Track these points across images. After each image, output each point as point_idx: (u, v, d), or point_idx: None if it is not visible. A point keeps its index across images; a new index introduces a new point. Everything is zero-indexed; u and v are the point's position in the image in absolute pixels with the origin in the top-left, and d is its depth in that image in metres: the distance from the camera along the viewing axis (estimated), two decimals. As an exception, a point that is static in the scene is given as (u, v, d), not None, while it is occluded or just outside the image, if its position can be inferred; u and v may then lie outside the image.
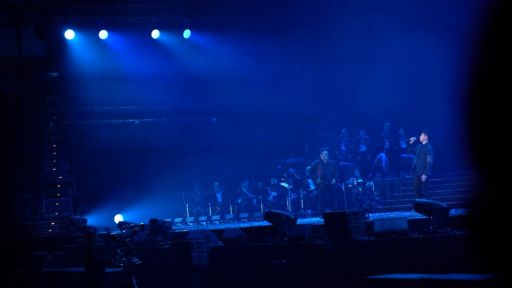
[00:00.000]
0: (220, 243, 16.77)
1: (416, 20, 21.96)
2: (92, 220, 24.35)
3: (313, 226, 15.04)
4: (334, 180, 19.62)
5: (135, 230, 14.40)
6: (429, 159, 17.26)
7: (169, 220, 20.63)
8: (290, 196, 22.54)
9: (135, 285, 13.86)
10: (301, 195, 22.19)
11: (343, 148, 23.81)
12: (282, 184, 23.23)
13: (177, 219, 24.62)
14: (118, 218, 25.30)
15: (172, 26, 27.70)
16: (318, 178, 19.68)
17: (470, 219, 2.62)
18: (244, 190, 24.49)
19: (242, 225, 19.73)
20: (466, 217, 2.65)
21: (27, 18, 27.07)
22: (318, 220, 17.71)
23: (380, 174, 21.92)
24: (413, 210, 14.68)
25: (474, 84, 2.58)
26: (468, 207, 2.59)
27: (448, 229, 12.76)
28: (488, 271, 2.53)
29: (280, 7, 26.02)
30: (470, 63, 2.58)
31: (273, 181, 23.79)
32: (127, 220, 22.13)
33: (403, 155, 21.63)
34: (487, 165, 2.51)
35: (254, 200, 23.96)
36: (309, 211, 21.71)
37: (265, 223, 16.79)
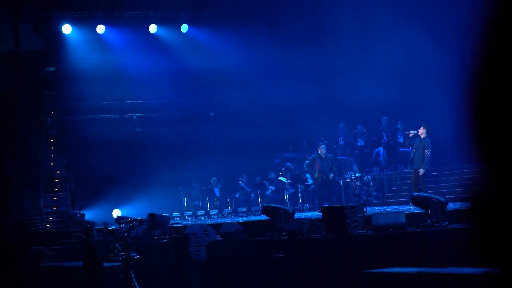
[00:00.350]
0: (218, 238, 16.77)
1: (414, 12, 21.92)
2: (90, 214, 24.36)
3: (311, 220, 15.05)
4: (332, 174, 19.65)
5: (133, 224, 14.40)
6: (427, 153, 17.28)
7: (167, 214, 20.65)
8: (288, 191, 22.56)
9: (134, 279, 13.87)
10: (299, 189, 22.21)
11: (341, 142, 23.82)
12: (280, 178, 23.25)
13: (175, 214, 24.65)
14: (116, 213, 25.30)
15: (169, 20, 27.67)
16: (316, 172, 19.70)
17: (473, 212, 2.61)
18: (242, 184, 24.51)
19: (240, 219, 19.75)
20: (469, 211, 2.65)
21: (24, 13, 27.02)
22: (316, 214, 17.72)
23: (378, 168, 21.95)
24: (411, 204, 14.69)
25: (475, 77, 2.57)
26: (471, 200, 2.59)
27: (446, 223, 12.77)
28: (490, 265, 2.53)
29: (276, 1, 26.00)
30: (471, 55, 2.57)
31: (271, 175, 23.80)
32: (125, 214, 22.14)
33: (401, 149, 21.65)
34: (490, 158, 2.50)
35: (252, 195, 23.99)
36: (307, 205, 21.72)
37: (263, 217, 16.81)
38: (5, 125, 27.12)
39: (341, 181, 21.08)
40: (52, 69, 27.79)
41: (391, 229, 13.16)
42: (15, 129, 27.22)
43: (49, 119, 27.08)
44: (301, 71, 25.80)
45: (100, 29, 26.80)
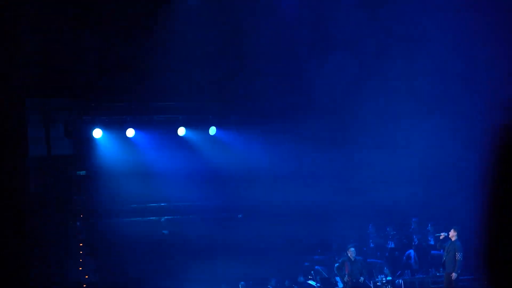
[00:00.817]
0: None
1: (439, 109, 21.97)
2: (117, 323, 24.04)
3: (342, 328, 14.72)
4: (362, 278, 19.36)
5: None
6: (458, 256, 17.04)
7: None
8: (318, 295, 22.16)
9: None
10: (329, 294, 21.81)
11: (371, 245, 23.56)
12: (309, 282, 22.88)
13: (203, 320, 24.26)
14: (145, 320, 24.95)
15: (198, 123, 28.04)
16: (346, 276, 19.43)
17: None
18: (270, 288, 24.16)
19: (269, 326, 19.37)
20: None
21: (56, 118, 27.52)
22: (347, 320, 17.34)
23: (409, 271, 21.56)
24: (444, 310, 14.36)
25: (500, 181, 2.52)
26: None
27: (481, 332, 12.42)
28: None
29: (303, 106, 26.35)
30: (494, 152, 2.52)
31: (300, 279, 23.45)
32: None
33: (432, 251, 21.31)
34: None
35: (281, 300, 23.60)
36: (338, 311, 21.28)
37: (293, 324, 16.48)
38: (33, 230, 27.15)
39: (372, 285, 20.68)
40: (82, 173, 28.05)
41: (424, 338, 12.82)
42: (43, 234, 27.25)
43: (78, 224, 27.16)
44: (328, 174, 25.81)
45: (130, 132, 27.18)
